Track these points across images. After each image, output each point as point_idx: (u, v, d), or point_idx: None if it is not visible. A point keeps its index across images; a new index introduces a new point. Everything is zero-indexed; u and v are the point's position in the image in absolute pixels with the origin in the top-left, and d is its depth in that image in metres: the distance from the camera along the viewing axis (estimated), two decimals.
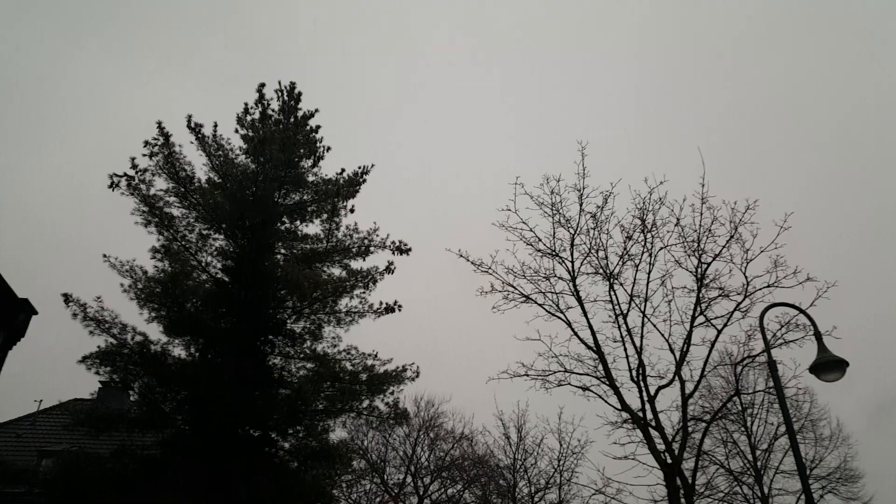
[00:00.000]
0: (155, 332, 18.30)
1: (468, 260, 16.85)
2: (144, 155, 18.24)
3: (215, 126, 19.31)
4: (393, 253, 19.30)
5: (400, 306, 19.08)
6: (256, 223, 18.46)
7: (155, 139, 18.26)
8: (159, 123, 18.17)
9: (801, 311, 12.62)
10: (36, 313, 13.91)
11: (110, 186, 18.00)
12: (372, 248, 19.42)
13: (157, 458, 16.75)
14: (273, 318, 18.78)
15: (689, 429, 16.36)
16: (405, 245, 19.29)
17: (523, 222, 16.63)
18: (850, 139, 78.22)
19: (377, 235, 19.47)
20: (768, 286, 15.05)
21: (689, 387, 15.76)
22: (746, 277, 15.27)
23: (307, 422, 19.11)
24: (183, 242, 18.90)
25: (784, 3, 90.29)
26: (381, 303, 19.08)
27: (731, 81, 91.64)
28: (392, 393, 19.37)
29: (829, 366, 10.93)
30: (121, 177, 18.01)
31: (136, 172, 18.16)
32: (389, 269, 19.03)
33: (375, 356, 19.11)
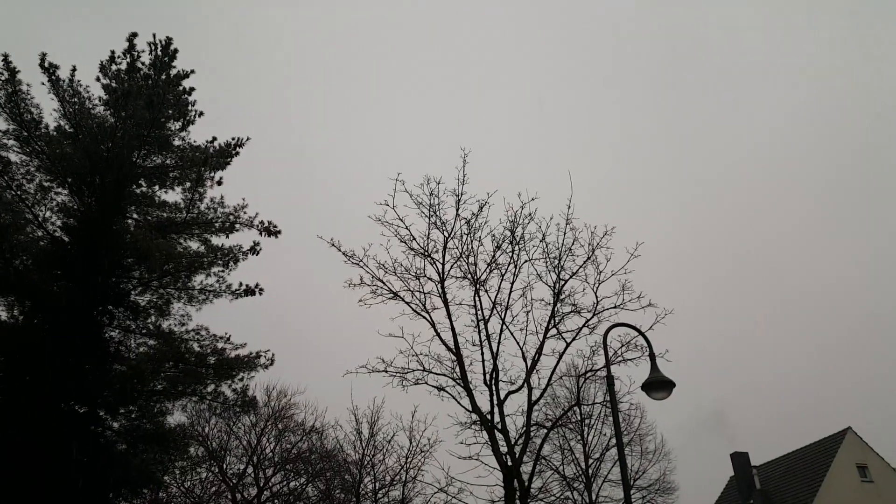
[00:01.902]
0: None
1: (339, 250, 16.48)
2: None
3: (73, 70, 17.40)
4: (260, 233, 18.41)
5: (261, 290, 18.30)
6: (108, 182, 16.88)
7: None
8: (5, 56, 16.14)
9: (640, 333, 13.55)
10: None
11: None
12: (238, 226, 18.39)
13: None
14: (116, 288, 17.35)
15: (532, 434, 17.05)
16: (275, 226, 18.45)
17: (400, 219, 16.55)
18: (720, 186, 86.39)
19: (245, 213, 18.46)
20: (615, 307, 16.04)
21: (536, 394, 16.45)
22: (597, 297, 16.22)
23: (142, 402, 17.94)
24: (19, 192, 16.97)
25: (655, 41, 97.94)
26: (241, 284, 18.22)
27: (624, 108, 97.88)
28: (242, 379, 18.67)
29: (658, 385, 11.79)
30: None
31: None
32: (255, 249, 18.13)
33: (228, 339, 18.21)
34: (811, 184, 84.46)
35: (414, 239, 16.68)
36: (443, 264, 16.72)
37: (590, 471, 27.34)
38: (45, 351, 15.43)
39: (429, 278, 16.76)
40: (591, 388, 25.68)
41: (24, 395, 15.42)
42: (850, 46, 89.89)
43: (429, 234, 16.69)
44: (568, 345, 16.34)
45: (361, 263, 16.48)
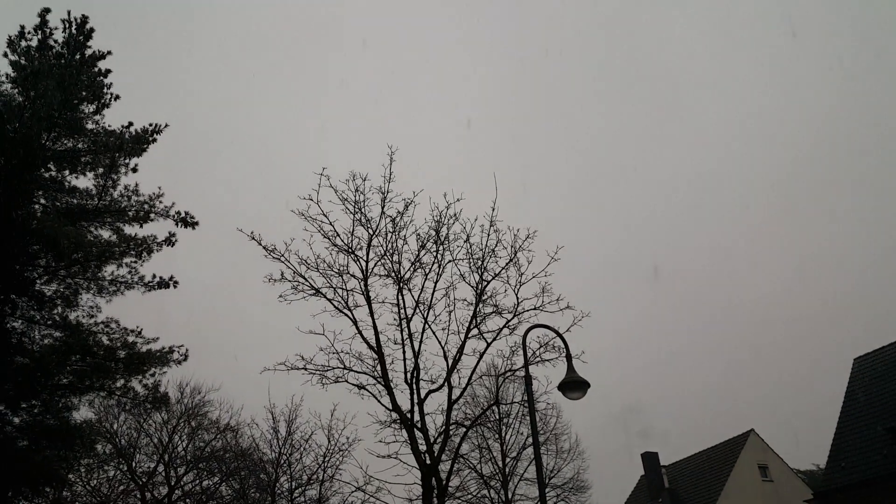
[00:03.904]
0: None
1: (260, 244, 16.16)
2: None
3: None
4: (177, 224, 17.80)
5: (176, 282, 17.75)
6: (14, 165, 15.92)
7: None
8: None
9: (558, 335, 14.00)
10: None
11: None
12: (153, 216, 17.72)
13: None
14: (19, 276, 16.42)
15: (451, 432, 17.27)
16: (192, 217, 17.86)
17: (324, 214, 16.41)
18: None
19: (160, 202, 17.81)
20: (535, 308, 16.45)
21: (456, 393, 16.66)
22: (518, 298, 16.60)
23: (46, 396, 17.14)
24: None
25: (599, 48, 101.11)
26: (154, 276, 17.59)
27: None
28: (153, 375, 18.05)
29: (574, 385, 12.22)
30: None
31: None
32: (170, 240, 17.55)
33: (139, 333, 17.55)
34: (735, 193, 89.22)
35: (338, 235, 16.61)
36: (366, 262, 16.72)
37: (507, 469, 27.87)
38: None
39: (352, 275, 16.72)
40: (510, 388, 26.24)
41: None
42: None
43: (353, 230, 16.65)
44: (489, 345, 16.65)
45: (283, 258, 16.26)
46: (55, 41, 17.50)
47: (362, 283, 16.67)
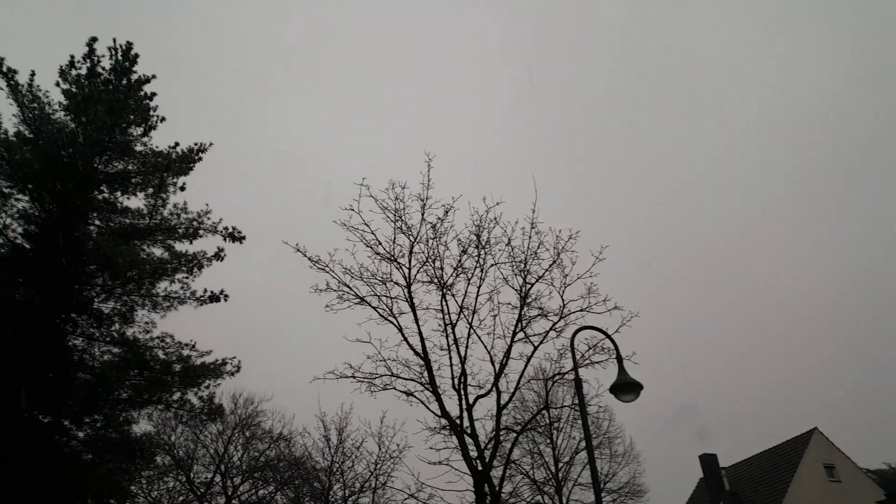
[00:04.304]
0: None
1: (305, 255, 16.36)
2: None
3: (32, 75, 17.15)
4: (225, 239, 18.28)
5: (226, 296, 18.15)
6: (70, 188, 16.63)
7: None
8: None
9: (607, 336, 13.65)
10: None
11: None
12: (201, 232, 18.22)
13: None
14: (78, 295, 17.06)
15: (501, 438, 17.08)
16: (239, 232, 18.33)
17: (365, 224, 16.51)
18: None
19: (208, 218, 18.31)
20: (581, 310, 16.18)
21: (505, 398, 16.50)
22: (563, 300, 16.35)
23: (107, 411, 17.65)
24: None
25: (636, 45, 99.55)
26: (205, 290, 18.04)
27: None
28: (208, 387, 18.44)
29: (626, 387, 11.91)
30: None
31: None
32: (219, 255, 18.02)
33: (193, 346, 17.99)
34: (773, 181, 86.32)
35: (380, 244, 16.67)
36: (409, 269, 16.74)
37: (560, 474, 27.47)
38: (7, 360, 15.10)
39: (395, 283, 16.76)
40: (560, 392, 25.90)
41: None
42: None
43: (395, 238, 16.69)
44: (535, 348, 16.43)
45: (327, 269, 16.41)
46: (103, 68, 18.23)
47: (406, 291, 16.70)
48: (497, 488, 16.11)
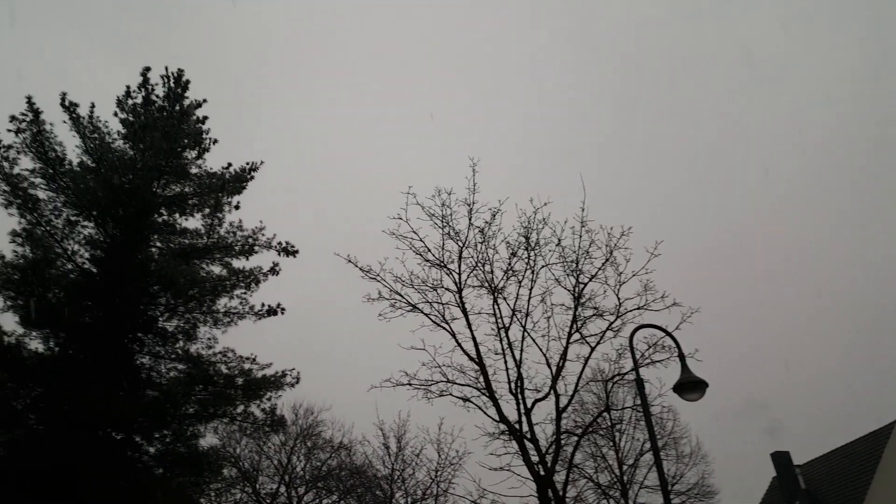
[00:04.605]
0: (10, 322, 16.83)
1: (356, 266, 16.59)
2: (10, 130, 16.93)
3: (92, 107, 18.07)
4: (279, 254, 18.77)
5: (283, 309, 18.60)
6: (131, 213, 17.39)
7: (23, 115, 17.04)
8: (29, 98, 16.95)
9: (667, 334, 13.28)
10: None
11: None
12: (256, 248, 18.78)
13: (4, 459, 15.34)
14: (143, 315, 17.76)
15: (562, 442, 16.84)
16: (292, 246, 18.83)
17: (414, 232, 16.62)
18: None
19: (263, 235, 18.85)
20: (638, 308, 15.82)
21: (564, 401, 16.26)
22: (619, 299, 16.03)
23: (175, 426, 18.24)
24: (48, 228, 17.57)
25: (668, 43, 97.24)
26: (263, 305, 18.54)
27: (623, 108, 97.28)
28: (269, 399, 18.85)
29: (690, 386, 11.56)
30: None
31: (0, 148, 16.77)
32: (274, 270, 18.52)
33: (254, 360, 18.46)
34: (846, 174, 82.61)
35: (429, 250, 16.74)
36: (459, 274, 16.74)
37: (625, 477, 26.86)
38: (81, 380, 15.81)
39: (446, 289, 16.77)
40: (620, 393, 25.33)
41: (63, 423, 15.80)
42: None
43: (443, 244, 16.73)
44: (593, 349, 16.15)
45: (378, 278, 16.57)
46: (157, 96, 19.06)
47: (457, 296, 16.69)
48: (561, 493, 15.86)
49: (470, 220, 16.61)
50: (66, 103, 17.58)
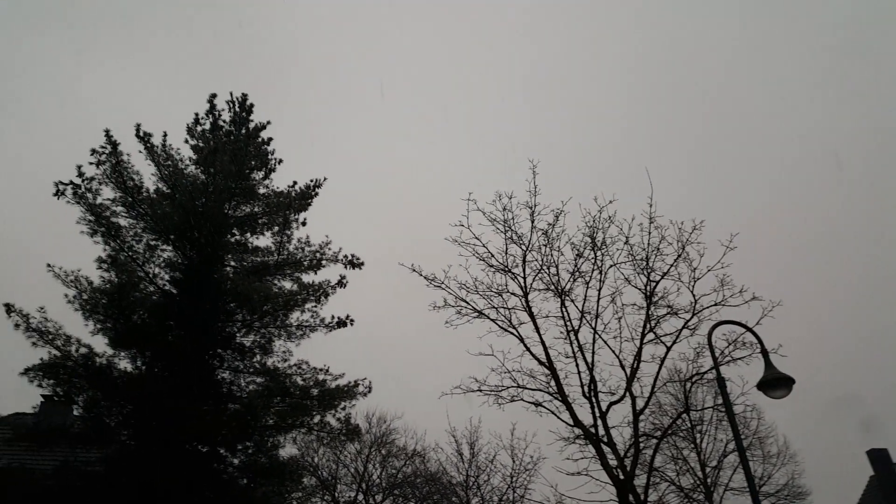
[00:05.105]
0: (100, 344, 17.82)
1: (421, 274, 16.80)
2: (91, 163, 17.92)
3: (165, 136, 19.01)
4: (345, 266, 19.16)
5: (352, 320, 18.90)
6: (206, 234, 18.15)
7: (102, 147, 17.98)
8: (107, 132, 17.87)
9: (748, 329, 12.81)
10: None
11: (56, 194, 17.58)
12: (324, 262, 19.23)
13: (102, 474, 16.15)
14: (222, 332, 18.41)
15: (641, 445, 16.44)
16: (357, 259, 19.21)
17: (476, 238, 16.67)
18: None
19: (329, 249, 19.31)
20: (715, 304, 15.34)
21: (640, 403, 15.90)
22: (694, 296, 15.55)
23: (257, 437, 18.74)
24: (130, 253, 18.47)
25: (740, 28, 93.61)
26: (332, 317, 18.87)
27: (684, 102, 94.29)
28: (344, 408, 19.13)
29: (776, 383, 11.16)
30: (66, 185, 17.59)
31: (83, 180, 17.76)
32: (342, 282, 18.88)
33: (327, 371, 18.82)
34: None
35: (492, 256, 16.75)
36: (524, 278, 16.65)
37: (708, 480, 25.87)
38: (168, 396, 16.53)
39: (512, 293, 16.73)
40: (699, 393, 24.49)
41: (152, 439, 16.55)
42: None
43: (506, 249, 16.71)
44: (668, 349, 15.75)
45: (443, 285, 16.69)
46: (224, 121, 19.89)
47: (523, 300, 16.60)
48: (642, 497, 15.47)
49: (532, 222, 16.53)
50: (141, 133, 18.52)
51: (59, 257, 18.88)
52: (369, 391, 19.16)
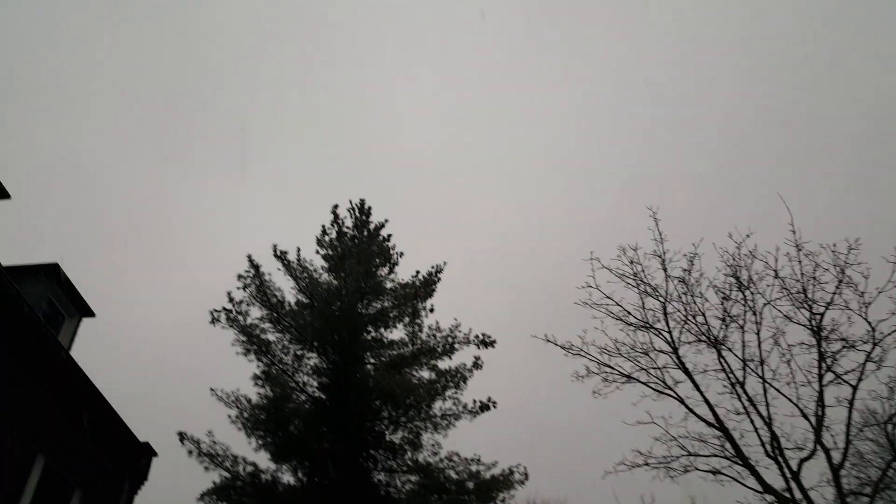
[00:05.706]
0: (264, 459, 18.69)
1: (556, 344, 16.02)
2: (238, 287, 19.59)
3: (298, 251, 20.59)
4: (478, 347, 19.08)
5: (495, 403, 18.48)
6: (345, 336, 18.91)
7: (247, 272, 19.66)
8: (249, 257, 19.61)
9: None
10: (156, 455, 14.05)
11: (211, 322, 19.19)
12: (456, 345, 19.30)
13: None
14: (372, 431, 18.67)
15: None
16: (489, 337, 19.06)
17: (607, 297, 15.81)
18: None
19: (459, 331, 19.42)
20: None
21: (836, 456, 13.75)
22: (869, 323, 13.57)
23: None
24: (280, 366, 19.56)
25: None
26: (474, 401, 18.60)
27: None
28: (503, 500, 18.40)
29: None
30: (220, 311, 19.18)
31: (233, 305, 19.30)
32: (477, 364, 18.73)
33: (479, 460, 18.35)
34: None
35: (629, 313, 15.72)
36: (669, 332, 15.39)
37: None
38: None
39: (659, 351, 15.47)
40: None
41: None
42: None
43: (643, 303, 15.64)
44: (855, 388, 13.69)
45: (583, 352, 15.82)
46: (347, 227, 21.25)
47: (674, 357, 15.27)
48: None
49: (665, 271, 15.47)
50: (278, 253, 20.14)
51: (220, 380, 20.39)
52: (526, 478, 18.35)
